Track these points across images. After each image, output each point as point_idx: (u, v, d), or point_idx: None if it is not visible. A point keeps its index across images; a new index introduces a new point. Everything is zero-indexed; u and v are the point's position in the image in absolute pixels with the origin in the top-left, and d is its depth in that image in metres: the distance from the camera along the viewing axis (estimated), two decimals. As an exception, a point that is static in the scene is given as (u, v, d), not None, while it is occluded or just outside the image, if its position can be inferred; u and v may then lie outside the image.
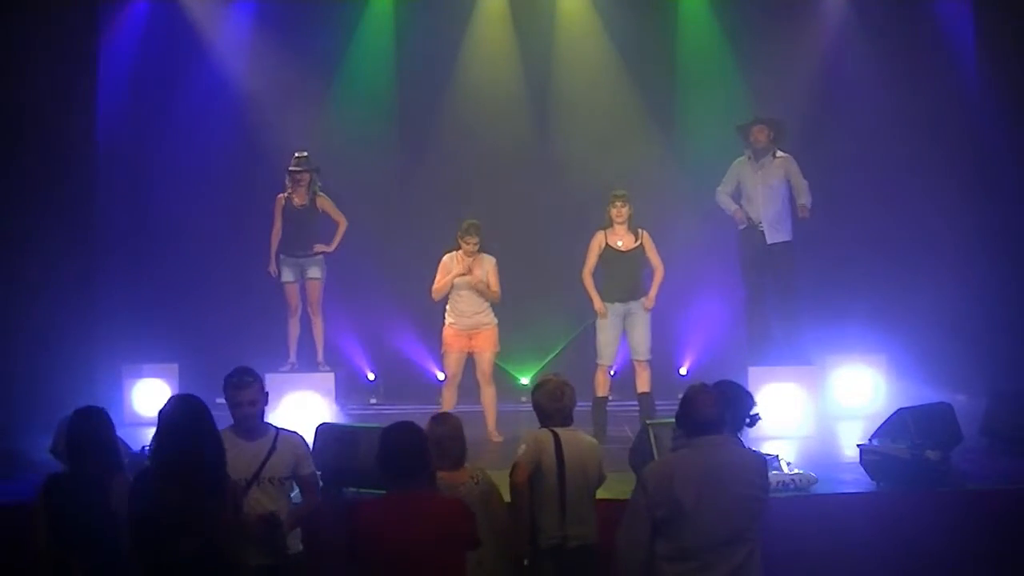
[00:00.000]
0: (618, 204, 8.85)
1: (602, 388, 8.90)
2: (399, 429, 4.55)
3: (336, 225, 9.44)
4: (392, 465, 4.45)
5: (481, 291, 8.77)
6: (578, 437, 5.55)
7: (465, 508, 4.54)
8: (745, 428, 5.18)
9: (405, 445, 4.47)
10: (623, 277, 8.88)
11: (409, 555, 4.27)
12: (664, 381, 9.27)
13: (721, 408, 4.50)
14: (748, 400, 5.25)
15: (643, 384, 8.92)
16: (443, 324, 8.97)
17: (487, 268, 8.83)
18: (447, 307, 8.91)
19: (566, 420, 5.57)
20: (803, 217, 9.23)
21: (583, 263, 8.93)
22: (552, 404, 5.53)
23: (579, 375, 8.79)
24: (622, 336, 8.99)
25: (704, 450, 4.39)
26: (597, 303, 8.90)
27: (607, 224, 8.94)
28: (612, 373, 9.43)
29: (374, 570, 4.33)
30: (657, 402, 8.79)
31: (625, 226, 8.92)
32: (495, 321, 8.93)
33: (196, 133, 10.47)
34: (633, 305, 8.89)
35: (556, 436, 5.44)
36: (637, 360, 8.96)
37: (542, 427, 5.53)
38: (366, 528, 4.37)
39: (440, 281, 8.81)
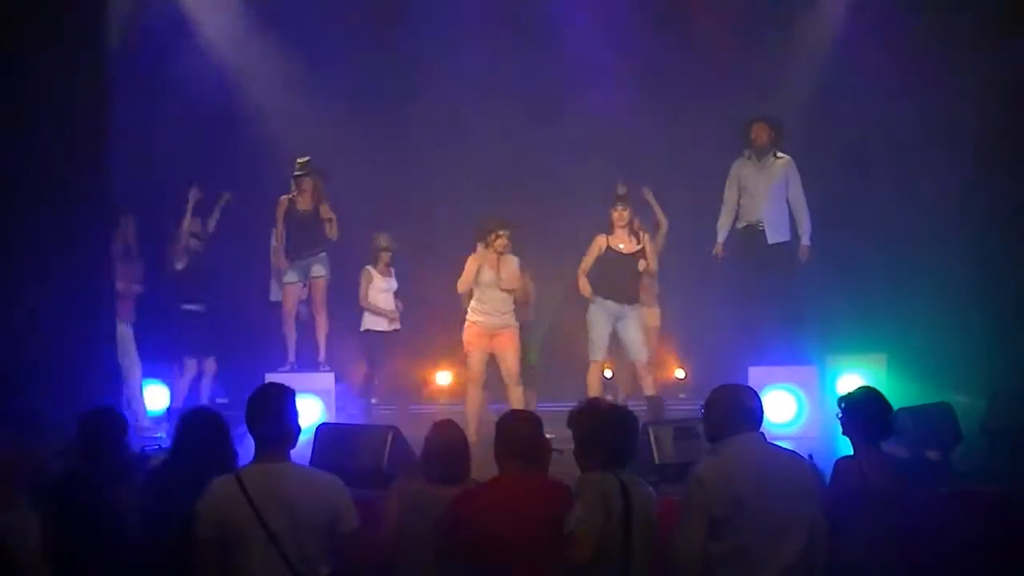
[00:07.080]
0: (619, 208, 8.84)
1: (593, 389, 8.69)
2: (517, 414, 4.96)
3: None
4: (513, 447, 4.52)
5: (517, 299, 8.77)
6: (639, 483, 4.42)
7: (568, 493, 4.46)
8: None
9: (524, 429, 4.60)
10: (621, 279, 8.86)
11: (522, 535, 4.27)
12: (663, 382, 9.27)
13: (761, 402, 4.51)
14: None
15: (649, 387, 8.85)
16: (463, 323, 8.85)
17: (512, 268, 8.73)
18: (471, 305, 8.77)
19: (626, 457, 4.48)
20: (803, 258, 9.23)
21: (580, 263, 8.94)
22: (613, 435, 4.45)
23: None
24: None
25: (753, 444, 4.42)
26: (583, 287, 8.83)
27: (610, 227, 8.92)
28: (609, 375, 9.41)
29: (478, 555, 4.31)
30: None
31: (627, 229, 8.89)
32: (518, 324, 8.84)
33: (197, 131, 10.45)
34: (627, 309, 8.85)
35: (623, 484, 4.30)
36: (637, 362, 8.93)
37: (595, 469, 4.38)
38: (475, 512, 4.39)
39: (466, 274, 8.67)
